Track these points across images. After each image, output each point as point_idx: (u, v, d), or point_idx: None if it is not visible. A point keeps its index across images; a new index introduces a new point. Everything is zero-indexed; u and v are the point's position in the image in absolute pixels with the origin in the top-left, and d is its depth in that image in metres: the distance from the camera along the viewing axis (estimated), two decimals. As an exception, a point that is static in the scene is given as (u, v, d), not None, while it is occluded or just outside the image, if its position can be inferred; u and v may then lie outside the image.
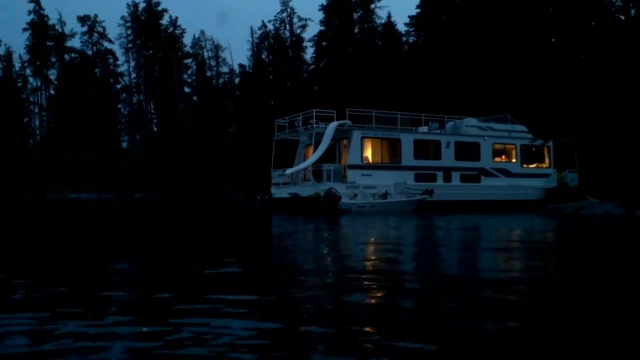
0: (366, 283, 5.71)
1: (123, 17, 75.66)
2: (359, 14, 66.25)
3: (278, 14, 71.31)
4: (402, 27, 64.08)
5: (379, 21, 65.95)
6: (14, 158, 54.52)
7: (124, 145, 75.05)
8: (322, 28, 65.54)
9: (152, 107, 77.06)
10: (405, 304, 4.73)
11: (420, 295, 5.18)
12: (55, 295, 5.12)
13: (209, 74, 77.22)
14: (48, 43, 72.25)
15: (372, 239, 12.02)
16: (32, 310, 4.37)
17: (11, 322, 3.88)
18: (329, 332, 3.71)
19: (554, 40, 28.25)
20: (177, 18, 75.69)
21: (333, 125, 26.82)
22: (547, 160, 32.15)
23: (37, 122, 74.82)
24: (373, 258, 8.39)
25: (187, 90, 77.05)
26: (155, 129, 75.15)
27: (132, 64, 77.12)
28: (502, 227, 16.01)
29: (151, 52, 75.25)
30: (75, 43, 74.04)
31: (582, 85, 25.73)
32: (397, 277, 6.24)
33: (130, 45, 76.47)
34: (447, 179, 28.91)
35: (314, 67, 68.81)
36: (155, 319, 4.06)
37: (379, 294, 5.13)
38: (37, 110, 74.63)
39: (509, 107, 31.96)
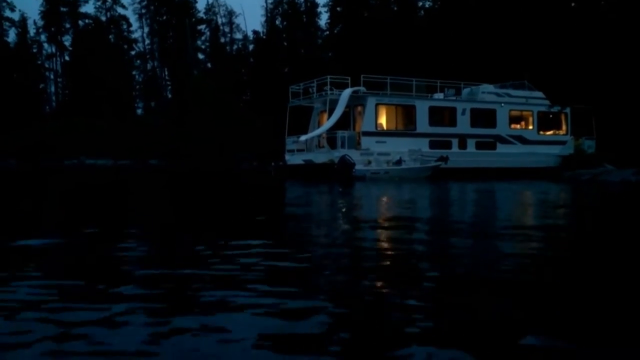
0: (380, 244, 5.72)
1: (136, -18, 75.15)
2: (374, -22, 65.23)
3: (292, -22, 70.46)
4: (418, -8, 63.07)
5: (394, -15, 64.91)
6: (30, 124, 54.94)
7: (139, 112, 75.28)
8: (337, -7, 64.67)
9: (166, 73, 76.96)
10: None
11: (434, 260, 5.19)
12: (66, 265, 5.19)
13: (222, 40, 76.78)
14: (62, 8, 72.07)
15: (385, 206, 12.02)
16: (45, 279, 4.44)
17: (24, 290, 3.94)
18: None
19: (573, 4, 27.67)
20: (190, -17, 75.03)
21: (347, 92, 26.63)
22: (564, 127, 31.76)
23: (53, 88, 75.20)
24: (385, 220, 8.40)
25: (200, 56, 76.77)
26: (170, 96, 75.18)
27: (146, 30, 76.91)
28: (516, 192, 15.93)
29: (164, 17, 74.82)
30: (88, 9, 74.00)
31: (601, 50, 25.25)
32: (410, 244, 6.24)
33: (143, 11, 76.13)
34: (462, 145, 28.72)
35: (328, 32, 68.11)
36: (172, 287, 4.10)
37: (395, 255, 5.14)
38: (52, 77, 74.93)
39: (526, 72, 31.48)
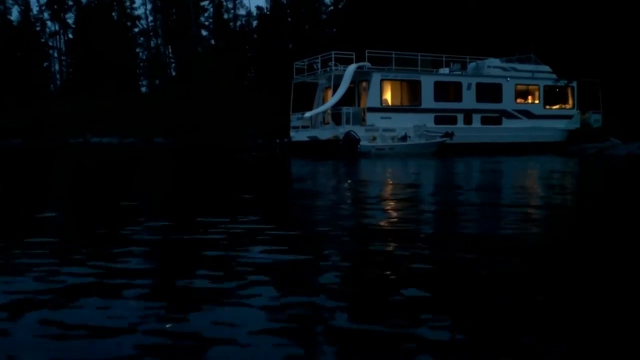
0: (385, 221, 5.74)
1: (138, -42, 74.30)
2: (379, -49, 64.19)
3: (296, -48, 69.45)
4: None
5: (399, -42, 63.90)
6: (34, 102, 54.89)
7: (143, 89, 75.00)
8: (341, -33, 63.81)
9: (170, 51, 76.51)
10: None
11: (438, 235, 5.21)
12: (74, 240, 5.23)
13: (225, 16, 76.10)
14: (64, -15, 71.46)
15: (390, 181, 12.02)
16: (52, 250, 4.48)
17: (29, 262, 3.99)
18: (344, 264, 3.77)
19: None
20: (192, -42, 74.08)
21: (352, 68, 26.46)
22: (570, 101, 31.54)
23: (57, 67, 74.92)
24: (389, 196, 8.41)
25: (204, 33, 76.17)
26: (174, 73, 74.83)
27: (149, 6, 76.26)
28: (522, 167, 15.90)
29: (167, -7, 74.04)
30: (91, -15, 73.11)
31: (608, 23, 24.94)
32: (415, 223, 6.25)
33: (145, -13, 75.34)
34: (468, 121, 28.58)
35: (332, 8, 67.39)
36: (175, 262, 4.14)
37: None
38: (55, 55, 74.62)
39: (533, 46, 31.16)
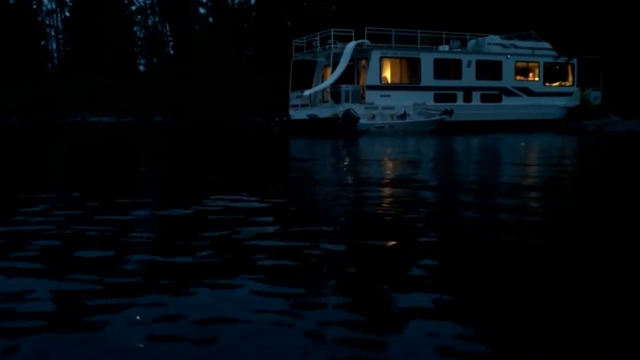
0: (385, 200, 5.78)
1: None
2: None
3: None
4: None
5: None
6: (32, 81, 54.61)
7: (141, 68, 74.58)
8: (340, -58, 63.02)
9: (168, 29, 75.94)
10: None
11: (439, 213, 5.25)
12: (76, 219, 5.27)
13: (223, -7, 75.31)
14: (60, -37, 70.71)
15: (389, 158, 12.04)
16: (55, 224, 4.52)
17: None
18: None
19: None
20: None
21: (351, 45, 26.29)
22: (570, 78, 31.41)
23: (54, 45, 74.39)
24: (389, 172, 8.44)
25: (201, 11, 75.52)
26: (172, 52, 74.35)
27: (146, -17, 75.46)
28: (521, 144, 15.91)
29: (164, -30, 73.26)
30: (87, -38, 72.20)
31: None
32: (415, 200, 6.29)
33: (142, -36, 74.53)
34: (467, 98, 28.51)
35: (331, -16, 66.68)
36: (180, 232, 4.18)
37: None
38: (53, 33, 74.06)
39: (533, 23, 30.93)
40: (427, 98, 26.92)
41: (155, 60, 75.56)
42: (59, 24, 73.33)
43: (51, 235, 4.00)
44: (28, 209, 5.00)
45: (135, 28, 75.63)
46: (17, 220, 4.54)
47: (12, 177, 8.48)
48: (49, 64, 71.75)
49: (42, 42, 71.39)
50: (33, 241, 3.73)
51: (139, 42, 76.20)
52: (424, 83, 27.52)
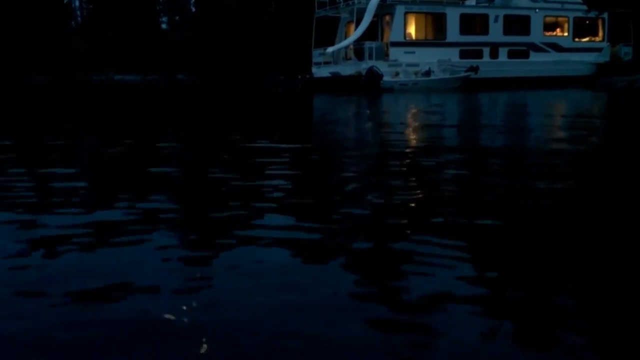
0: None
1: None
2: None
3: None
4: None
5: None
6: (55, 40, 54.76)
7: (163, 26, 74.25)
8: None
9: (189, -15, 75.21)
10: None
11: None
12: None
13: (245, -52, 74.10)
14: None
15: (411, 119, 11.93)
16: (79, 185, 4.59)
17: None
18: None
19: None
20: None
21: (375, 0, 25.82)
22: (600, 34, 30.60)
23: (77, 3, 74.28)
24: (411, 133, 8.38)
25: (224, -34, 74.49)
26: (194, 10, 73.82)
27: (167, -62, 74.50)
28: (549, 103, 15.63)
29: None
30: None
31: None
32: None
33: None
34: (494, 54, 27.97)
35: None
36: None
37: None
38: (75, -9, 73.82)
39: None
40: (453, 54, 26.47)
41: (177, 18, 75.15)
42: (81, -18, 73.01)
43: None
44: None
45: (156, -15, 75.00)
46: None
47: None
48: (72, 22, 71.81)
49: (65, 0, 71.34)
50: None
51: (161, 0, 75.73)
52: (449, 39, 27.02)
